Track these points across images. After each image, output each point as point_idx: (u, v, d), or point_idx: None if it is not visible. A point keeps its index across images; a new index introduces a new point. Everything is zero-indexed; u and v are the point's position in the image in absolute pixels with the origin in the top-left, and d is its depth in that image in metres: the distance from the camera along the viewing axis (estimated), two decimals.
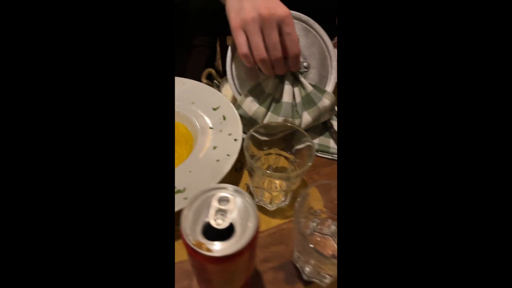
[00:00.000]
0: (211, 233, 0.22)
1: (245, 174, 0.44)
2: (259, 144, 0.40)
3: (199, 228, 0.22)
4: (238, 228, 0.22)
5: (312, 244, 0.35)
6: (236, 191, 0.24)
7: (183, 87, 0.51)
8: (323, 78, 0.50)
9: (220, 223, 0.22)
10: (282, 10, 0.38)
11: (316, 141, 0.49)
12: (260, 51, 0.39)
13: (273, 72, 0.43)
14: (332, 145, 0.49)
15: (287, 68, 0.43)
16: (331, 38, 0.76)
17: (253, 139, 0.39)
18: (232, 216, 0.23)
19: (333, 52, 0.49)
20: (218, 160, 0.39)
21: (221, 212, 0.23)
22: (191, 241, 0.21)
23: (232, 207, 0.23)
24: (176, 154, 0.42)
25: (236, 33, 0.39)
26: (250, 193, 0.42)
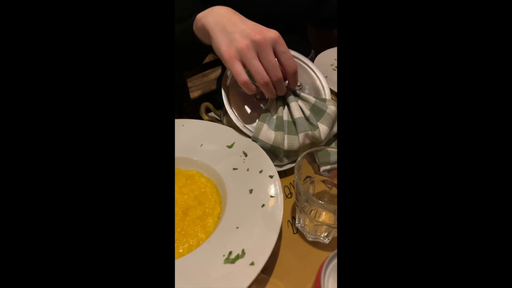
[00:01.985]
0: None
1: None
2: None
3: None
4: None
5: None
6: None
7: (184, 129, 0.45)
8: (318, 91, 0.50)
9: None
10: (272, 32, 0.39)
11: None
12: (263, 75, 0.39)
13: (275, 94, 0.43)
14: None
15: (286, 87, 0.44)
16: (304, 46, 0.78)
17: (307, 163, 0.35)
18: None
19: (318, 71, 0.51)
20: (263, 205, 0.34)
21: None
22: None
23: None
24: (205, 209, 0.36)
25: (233, 63, 0.39)
26: (298, 230, 0.38)
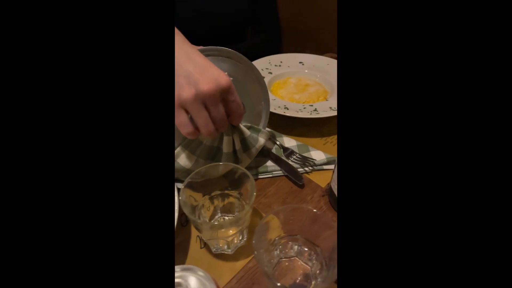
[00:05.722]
0: None
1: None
2: (201, 188, 0.38)
3: None
4: None
5: (281, 270, 0.34)
6: (184, 269, 0.22)
7: None
8: (256, 115, 0.50)
9: None
10: (223, 79, 0.34)
11: (254, 164, 0.49)
12: (209, 128, 0.35)
13: (216, 134, 0.40)
14: (269, 164, 0.49)
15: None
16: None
17: (191, 187, 0.36)
18: None
19: (259, 74, 0.48)
20: None
21: None
22: None
23: None
24: None
25: (176, 113, 0.34)
26: (205, 244, 0.39)
